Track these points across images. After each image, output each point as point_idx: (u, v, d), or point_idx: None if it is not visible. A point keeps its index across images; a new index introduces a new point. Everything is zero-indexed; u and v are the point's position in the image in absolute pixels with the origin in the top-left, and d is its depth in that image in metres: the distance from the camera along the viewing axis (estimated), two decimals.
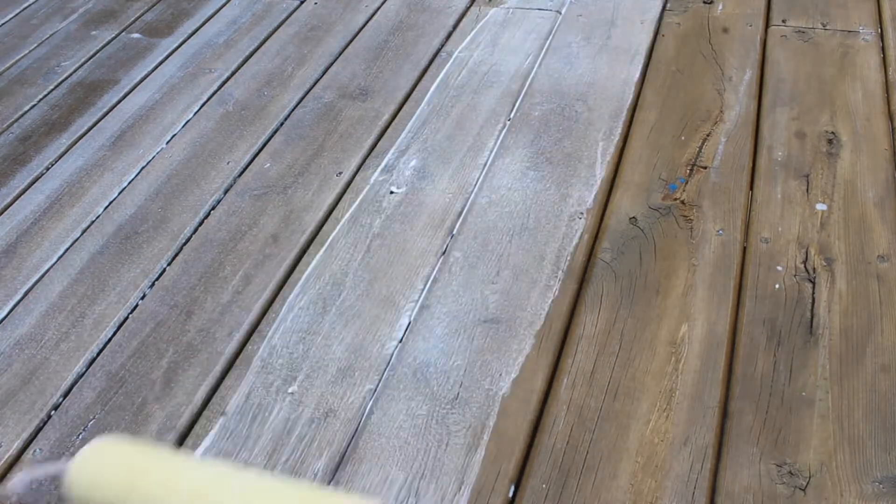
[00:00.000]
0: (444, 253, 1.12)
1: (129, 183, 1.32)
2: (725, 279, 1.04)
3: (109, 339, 1.06)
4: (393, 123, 1.38)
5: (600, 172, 1.22)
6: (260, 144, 1.37)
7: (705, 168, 1.20)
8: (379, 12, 1.70)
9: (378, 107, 1.42)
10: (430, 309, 1.04)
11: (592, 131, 1.30)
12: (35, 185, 1.34)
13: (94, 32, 1.76)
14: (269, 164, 1.32)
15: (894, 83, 1.33)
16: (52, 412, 0.98)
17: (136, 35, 1.73)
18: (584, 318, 1.01)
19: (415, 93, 1.45)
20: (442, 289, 1.07)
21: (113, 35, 1.74)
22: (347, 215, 1.20)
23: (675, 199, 1.16)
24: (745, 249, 1.08)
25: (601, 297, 1.03)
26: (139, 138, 1.42)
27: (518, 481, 0.86)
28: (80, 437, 0.95)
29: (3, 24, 1.83)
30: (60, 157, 1.39)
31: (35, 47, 1.73)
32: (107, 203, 1.28)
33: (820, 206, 1.12)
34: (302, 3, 1.77)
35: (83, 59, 1.67)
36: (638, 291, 1.03)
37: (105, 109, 1.51)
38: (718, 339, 0.97)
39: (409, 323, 1.03)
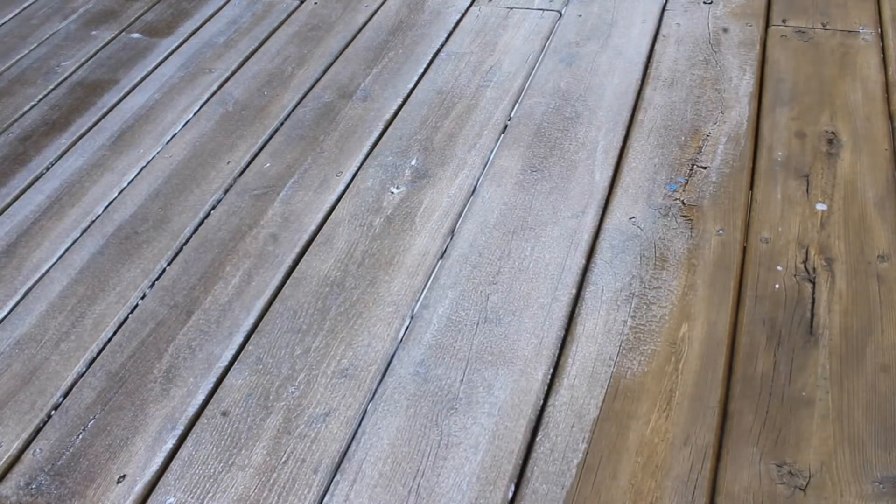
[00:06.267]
0: (444, 253, 1.12)
1: (130, 183, 1.32)
2: (725, 279, 1.04)
3: (109, 339, 1.06)
4: (393, 123, 1.38)
5: (600, 172, 1.22)
6: (260, 144, 1.37)
7: (705, 168, 1.21)
8: (379, 12, 1.70)
9: (378, 107, 1.42)
10: (430, 309, 1.04)
11: (592, 131, 1.30)
12: (35, 184, 1.34)
13: (94, 32, 1.76)
14: (269, 164, 1.32)
15: (894, 83, 1.33)
16: (53, 412, 0.99)
17: (136, 35, 1.73)
18: (584, 317, 1.01)
19: (415, 93, 1.45)
20: (442, 289, 1.07)
21: (113, 35, 1.74)
22: (347, 215, 1.20)
23: (675, 199, 1.16)
24: (745, 249, 1.08)
25: (601, 296, 1.03)
26: (139, 138, 1.42)
27: (518, 481, 0.86)
28: (80, 436, 0.95)
29: (3, 24, 1.83)
30: (60, 156, 1.40)
31: (35, 47, 1.73)
32: (107, 203, 1.28)
33: (820, 206, 1.12)
34: (302, 3, 1.77)
35: (83, 59, 1.67)
36: (638, 291, 1.03)
37: (105, 109, 1.51)
38: (718, 339, 0.97)
39: (409, 323, 1.03)
